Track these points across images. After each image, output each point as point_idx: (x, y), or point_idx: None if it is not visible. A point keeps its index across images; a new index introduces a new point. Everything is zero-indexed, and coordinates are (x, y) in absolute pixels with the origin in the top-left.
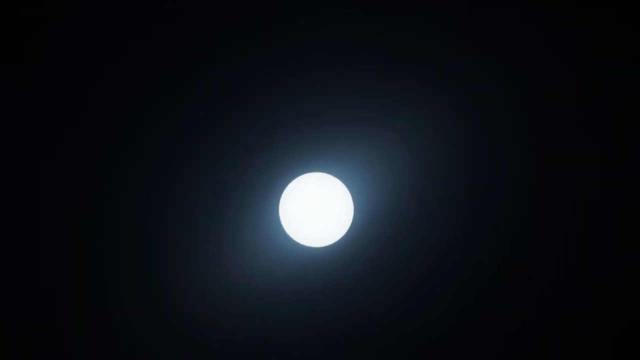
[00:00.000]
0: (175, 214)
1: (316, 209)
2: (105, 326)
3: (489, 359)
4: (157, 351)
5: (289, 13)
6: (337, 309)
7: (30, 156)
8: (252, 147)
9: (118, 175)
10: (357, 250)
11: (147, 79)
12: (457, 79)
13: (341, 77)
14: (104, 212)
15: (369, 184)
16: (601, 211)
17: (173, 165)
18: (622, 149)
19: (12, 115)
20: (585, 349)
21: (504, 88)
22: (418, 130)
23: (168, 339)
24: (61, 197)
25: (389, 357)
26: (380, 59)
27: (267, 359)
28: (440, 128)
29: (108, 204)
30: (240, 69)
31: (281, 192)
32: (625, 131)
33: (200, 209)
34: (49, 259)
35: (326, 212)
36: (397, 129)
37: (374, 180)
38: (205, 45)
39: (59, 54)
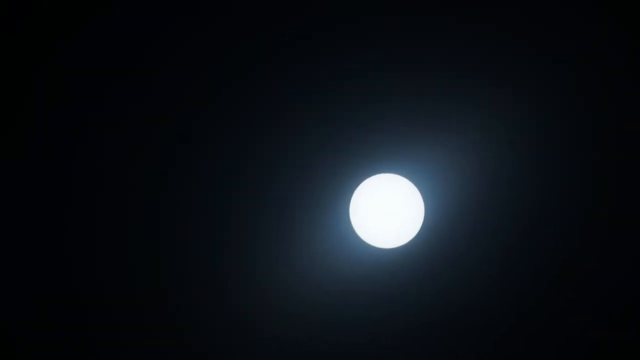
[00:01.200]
0: (245, 214)
1: (387, 210)
2: (170, 327)
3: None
4: (222, 352)
5: (365, 13)
6: (406, 310)
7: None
8: (322, 148)
9: (185, 173)
10: (428, 251)
11: (214, 74)
12: (527, 85)
13: (414, 80)
14: (176, 213)
15: (439, 185)
16: None
17: (242, 165)
18: None
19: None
20: None
21: (572, 95)
22: (488, 132)
23: (235, 341)
24: (120, 200)
25: (458, 356)
26: (452, 64)
27: None
28: (510, 130)
29: (177, 202)
30: (313, 69)
31: (352, 194)
32: None
33: (271, 210)
34: (107, 257)
35: (397, 213)
36: (467, 130)
37: (445, 181)
38: (278, 42)
39: (119, 39)
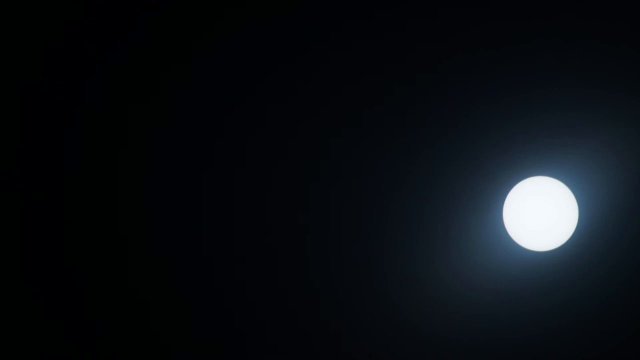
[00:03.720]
0: (401, 216)
1: (540, 213)
2: (333, 332)
3: None
4: (378, 349)
5: (535, 37)
6: (559, 311)
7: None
8: (477, 152)
9: (344, 174)
10: (582, 253)
11: (374, 81)
12: None
13: (567, 85)
14: (322, 213)
15: (594, 189)
16: None
17: (398, 167)
18: None
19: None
20: None
21: None
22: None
23: (390, 339)
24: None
25: (610, 356)
26: (611, 77)
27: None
28: None
29: (329, 204)
30: (477, 76)
31: (505, 196)
32: None
33: (426, 212)
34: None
35: (550, 216)
36: (623, 134)
37: (600, 185)
38: (454, 51)
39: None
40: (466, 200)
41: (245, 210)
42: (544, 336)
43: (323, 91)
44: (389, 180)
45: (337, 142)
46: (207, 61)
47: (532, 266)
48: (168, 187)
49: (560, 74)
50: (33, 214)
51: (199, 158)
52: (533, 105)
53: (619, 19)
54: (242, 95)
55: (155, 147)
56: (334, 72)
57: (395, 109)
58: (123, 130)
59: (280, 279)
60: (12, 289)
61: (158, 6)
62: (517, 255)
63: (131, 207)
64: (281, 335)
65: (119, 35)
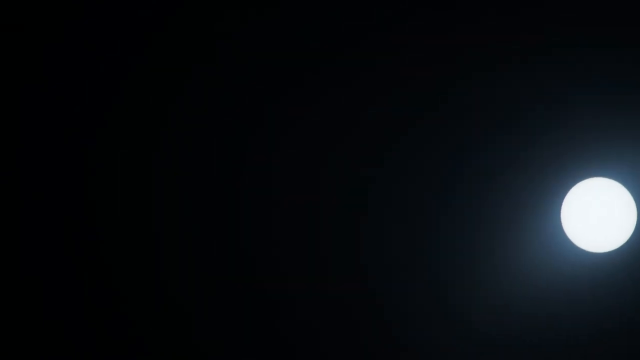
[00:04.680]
0: (457, 217)
1: (599, 214)
2: (380, 330)
3: None
4: (437, 351)
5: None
6: (617, 312)
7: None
8: (536, 151)
9: (398, 177)
10: None
11: (428, 80)
12: None
13: (627, 87)
14: (378, 217)
15: None
16: None
17: (454, 168)
18: None
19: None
20: None
21: None
22: None
23: (450, 340)
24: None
25: None
26: None
27: None
28: None
29: (391, 206)
30: (535, 78)
31: (564, 197)
32: None
33: (483, 212)
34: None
35: (609, 217)
36: None
37: None
38: (522, 51)
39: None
40: (524, 202)
41: (287, 215)
42: (602, 338)
43: (379, 89)
44: (444, 182)
45: (389, 144)
46: (207, 61)
47: (591, 267)
48: (168, 187)
49: (620, 76)
50: (33, 214)
51: (201, 159)
52: (592, 106)
53: None
54: (242, 96)
55: (156, 147)
56: (385, 71)
57: (450, 108)
58: (123, 130)
59: (334, 285)
60: (13, 290)
61: (158, 6)
62: (575, 257)
63: (132, 208)
64: (334, 340)
65: (119, 35)
